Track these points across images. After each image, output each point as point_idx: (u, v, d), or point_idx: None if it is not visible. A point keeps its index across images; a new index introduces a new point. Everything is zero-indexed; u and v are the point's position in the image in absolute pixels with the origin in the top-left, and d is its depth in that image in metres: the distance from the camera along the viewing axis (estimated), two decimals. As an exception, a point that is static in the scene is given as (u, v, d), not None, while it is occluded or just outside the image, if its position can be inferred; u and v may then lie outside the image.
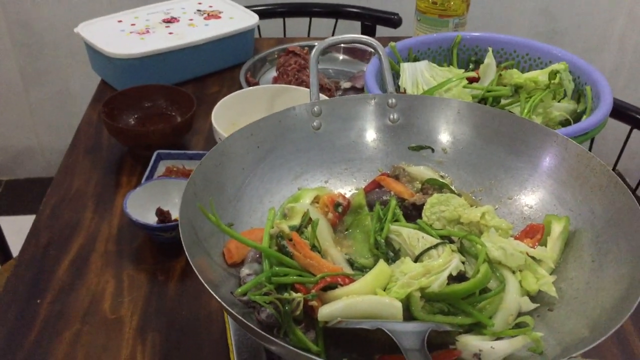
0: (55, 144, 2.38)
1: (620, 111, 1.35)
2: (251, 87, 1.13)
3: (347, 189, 0.82)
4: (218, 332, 0.79)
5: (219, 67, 1.35)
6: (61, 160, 1.09)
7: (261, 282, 0.63)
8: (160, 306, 0.83)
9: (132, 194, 0.93)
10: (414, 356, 0.50)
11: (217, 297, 0.56)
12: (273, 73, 1.32)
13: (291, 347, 0.52)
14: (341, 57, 1.40)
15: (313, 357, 0.52)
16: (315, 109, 0.82)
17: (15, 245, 1.25)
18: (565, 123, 1.03)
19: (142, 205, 0.93)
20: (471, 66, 1.18)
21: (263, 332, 0.53)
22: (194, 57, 1.29)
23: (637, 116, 1.34)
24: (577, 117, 1.03)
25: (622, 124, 1.36)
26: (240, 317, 0.55)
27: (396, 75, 1.10)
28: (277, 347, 0.54)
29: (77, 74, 2.22)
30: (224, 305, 0.56)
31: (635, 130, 1.35)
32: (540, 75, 1.06)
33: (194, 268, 0.58)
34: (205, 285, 0.57)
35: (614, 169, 1.47)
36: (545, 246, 0.69)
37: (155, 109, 1.15)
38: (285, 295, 0.62)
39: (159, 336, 0.78)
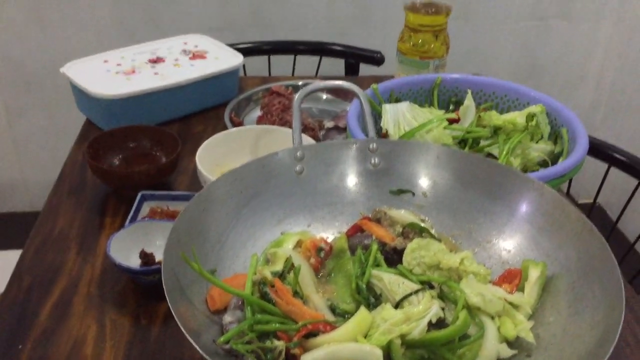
0: (40, 178, 2.37)
1: (597, 149, 1.39)
2: (235, 128, 1.14)
3: (330, 232, 0.84)
4: (201, 377, 0.79)
5: (203, 106, 1.37)
6: (46, 197, 1.10)
7: (243, 330, 0.64)
8: (143, 351, 0.82)
9: (116, 236, 0.93)
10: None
11: (198, 347, 0.56)
12: (257, 112, 1.34)
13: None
14: (325, 96, 1.42)
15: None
16: (298, 154, 0.83)
17: (-1, 281, 1.24)
18: (543, 164, 1.05)
19: (126, 247, 0.93)
20: (451, 107, 1.20)
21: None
22: (179, 96, 1.31)
23: (614, 154, 1.37)
24: (554, 158, 1.06)
25: (600, 162, 1.39)
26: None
27: (378, 116, 1.12)
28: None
29: (62, 110, 2.23)
30: (205, 356, 0.56)
31: (619, 178, 1.37)
32: (518, 117, 1.08)
33: (175, 317, 0.58)
34: (186, 334, 0.57)
35: (594, 203, 1.50)
36: (523, 291, 0.70)
37: (140, 149, 1.16)
38: (267, 343, 0.63)
39: (141, 382, 0.78)
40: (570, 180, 1.46)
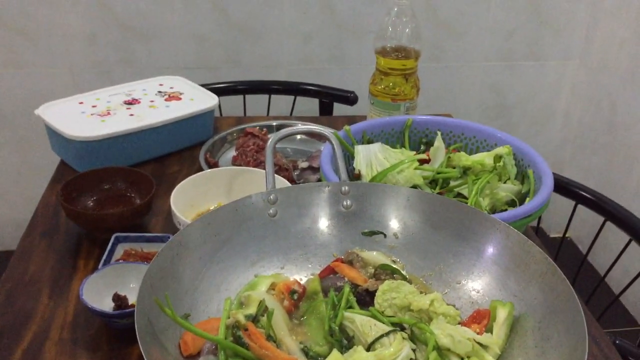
0: (12, 216, 2.35)
1: (564, 187, 1.43)
2: (209, 170, 1.16)
3: (303, 274, 0.85)
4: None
5: (179, 147, 1.38)
6: (17, 236, 1.09)
7: (216, 375, 0.64)
8: (115, 397, 0.82)
9: (89, 280, 0.93)
10: None
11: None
12: (232, 153, 1.36)
13: None
14: (299, 136, 1.44)
15: None
16: (271, 197, 0.85)
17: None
18: (511, 203, 1.08)
19: (99, 290, 0.93)
20: (422, 147, 1.23)
21: None
22: (154, 138, 1.32)
23: (580, 192, 1.41)
24: (522, 197, 1.09)
25: (568, 200, 1.43)
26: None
27: (351, 156, 1.14)
28: None
29: (36, 150, 2.22)
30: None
31: (587, 214, 1.41)
32: (486, 158, 1.12)
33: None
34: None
35: (563, 237, 1.54)
36: (492, 332, 0.72)
37: (114, 191, 1.17)
38: (241, 388, 0.63)
39: None
40: (540, 216, 1.49)
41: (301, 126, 0.90)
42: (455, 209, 0.83)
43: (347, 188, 0.87)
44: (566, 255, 0.72)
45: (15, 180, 2.30)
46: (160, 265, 0.71)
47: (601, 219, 1.37)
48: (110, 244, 1.02)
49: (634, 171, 2.20)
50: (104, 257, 1.00)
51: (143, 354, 0.59)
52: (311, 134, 1.44)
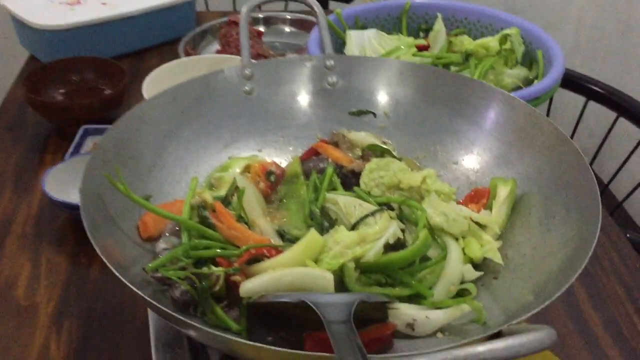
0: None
1: (574, 82, 1.32)
2: (188, 57, 1.06)
3: (283, 158, 0.76)
4: (143, 316, 0.72)
5: (157, 40, 1.27)
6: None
7: (177, 256, 0.57)
8: (80, 291, 0.75)
9: (53, 170, 0.85)
10: (338, 329, 0.44)
11: (121, 277, 0.49)
12: (216, 46, 1.25)
13: (203, 327, 0.46)
14: (287, 29, 1.33)
15: (230, 337, 0.46)
16: (247, 71, 0.75)
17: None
18: (518, 90, 0.98)
19: (65, 183, 0.85)
20: (421, 35, 1.12)
21: (170, 312, 0.47)
22: (130, 29, 1.21)
23: (592, 87, 1.31)
24: (529, 84, 0.99)
25: (578, 96, 1.32)
26: (146, 298, 0.48)
27: (343, 43, 1.04)
28: (188, 329, 0.47)
29: (4, 45, 2.08)
30: (130, 286, 0.49)
31: (594, 110, 1.31)
32: (491, 42, 1.01)
33: (95, 246, 0.51)
34: (110, 266, 0.50)
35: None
36: (491, 210, 0.64)
37: (84, 82, 1.07)
38: (204, 269, 0.56)
39: (77, 323, 0.71)
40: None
41: None
42: (453, 81, 0.73)
43: (332, 62, 0.78)
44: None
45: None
46: (115, 139, 0.63)
47: (609, 123, 1.28)
48: (78, 136, 0.94)
49: (649, 76, 2.07)
50: (71, 149, 0.92)
51: (89, 236, 0.52)
52: (301, 25, 1.33)
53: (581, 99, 1.32)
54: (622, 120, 1.25)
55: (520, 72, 1.00)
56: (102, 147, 0.60)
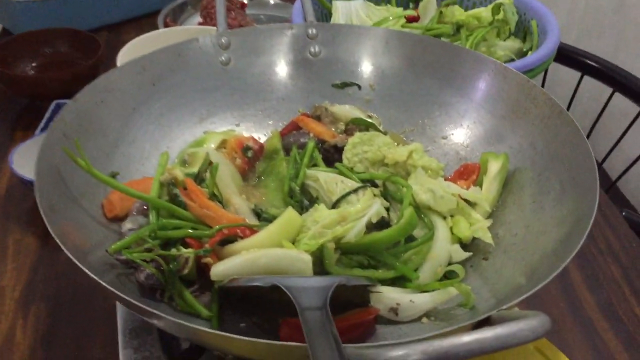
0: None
1: (569, 57, 1.28)
2: (166, 29, 1.01)
3: (262, 132, 0.72)
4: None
5: (136, 13, 1.22)
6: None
7: (143, 237, 0.52)
8: (49, 274, 0.71)
9: (21, 147, 0.80)
10: (312, 317, 0.40)
11: (77, 262, 0.45)
12: (197, 18, 1.20)
13: (167, 316, 0.42)
14: (272, 1, 1.28)
15: (197, 326, 0.42)
16: (223, 40, 0.71)
17: None
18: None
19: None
20: (411, 5, 1.08)
21: (131, 300, 0.42)
22: (106, 0, 1.15)
23: (587, 61, 1.26)
24: (522, 57, 0.94)
25: (572, 72, 1.28)
26: (105, 285, 0.44)
27: (328, 13, 0.99)
28: (152, 318, 0.43)
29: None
30: (87, 271, 0.45)
31: (588, 87, 1.27)
32: (483, 12, 0.97)
33: (49, 228, 0.47)
34: (66, 250, 0.46)
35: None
36: (481, 187, 0.60)
37: (58, 55, 1.02)
38: (173, 251, 0.52)
39: (45, 308, 0.67)
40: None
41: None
42: (442, 50, 0.69)
43: (314, 30, 0.73)
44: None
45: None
46: (77, 111, 0.58)
47: (603, 101, 1.23)
48: (49, 111, 0.89)
49: (645, 52, 2.03)
50: (42, 124, 0.87)
51: (43, 216, 0.48)
52: (286, -3, 1.27)
53: (576, 75, 1.28)
54: (616, 98, 1.22)
55: (514, 43, 0.96)
56: (62, 120, 0.56)
